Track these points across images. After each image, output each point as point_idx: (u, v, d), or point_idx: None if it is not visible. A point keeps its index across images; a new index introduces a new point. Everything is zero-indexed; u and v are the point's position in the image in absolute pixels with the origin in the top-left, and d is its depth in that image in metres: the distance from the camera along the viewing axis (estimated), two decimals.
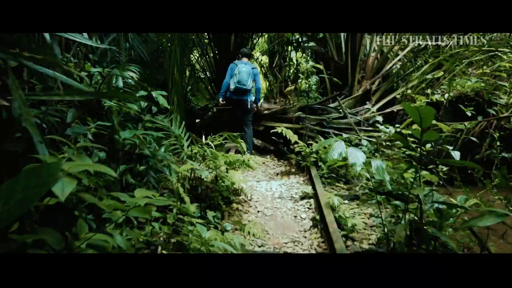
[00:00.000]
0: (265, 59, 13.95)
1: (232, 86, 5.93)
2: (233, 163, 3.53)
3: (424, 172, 3.54)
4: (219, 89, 8.44)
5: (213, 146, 3.67)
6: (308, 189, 4.15)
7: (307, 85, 5.51)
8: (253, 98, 6.07)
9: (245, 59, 6.13)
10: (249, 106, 6.00)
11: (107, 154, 4.18)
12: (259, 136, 6.55)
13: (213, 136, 3.97)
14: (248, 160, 3.60)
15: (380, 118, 4.23)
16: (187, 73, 9.31)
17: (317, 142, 5.19)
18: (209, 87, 10.14)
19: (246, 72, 5.83)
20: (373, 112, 6.33)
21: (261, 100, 12.52)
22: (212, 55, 9.68)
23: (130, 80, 3.97)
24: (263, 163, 5.78)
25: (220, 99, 6.32)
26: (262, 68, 13.67)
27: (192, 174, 3.57)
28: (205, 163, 3.57)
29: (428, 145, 4.37)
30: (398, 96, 6.85)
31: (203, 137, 3.97)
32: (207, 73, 10.31)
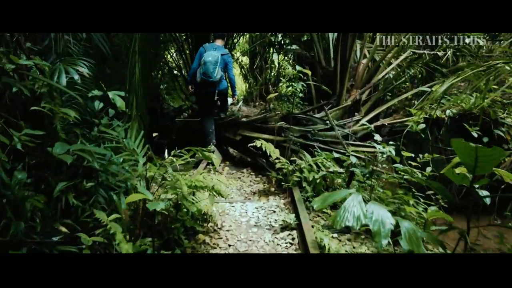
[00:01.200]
0: (245, 60, 13.28)
1: (197, 78, 5.24)
2: (198, 187, 2.80)
3: (433, 208, 2.93)
4: (195, 89, 7.73)
5: (177, 166, 2.95)
6: (291, 218, 3.47)
7: (292, 91, 4.84)
8: (223, 88, 5.40)
9: (218, 42, 5.38)
10: (215, 97, 5.37)
11: (46, 168, 3.39)
12: (236, 146, 5.84)
13: (178, 151, 3.23)
14: (218, 186, 2.88)
15: (378, 137, 3.60)
16: (160, 71, 8.56)
17: (301, 158, 4.53)
18: (184, 86, 9.39)
19: (213, 61, 5.05)
20: (362, 124, 5.73)
21: (240, 103, 11.86)
22: (188, 52, 8.92)
23: (76, 77, 3.18)
24: (239, 178, 5.09)
25: (189, 87, 5.79)
26: (242, 70, 13.00)
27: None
28: (163, 188, 2.84)
29: (429, 169, 3.80)
30: (387, 108, 6.30)
31: (166, 151, 3.23)
32: (183, 71, 9.52)
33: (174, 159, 3.12)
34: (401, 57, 6.05)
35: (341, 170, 4.22)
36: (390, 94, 7.39)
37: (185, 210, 3.00)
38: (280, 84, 12.28)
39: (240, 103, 11.85)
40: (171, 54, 9.25)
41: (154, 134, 2.93)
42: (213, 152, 5.44)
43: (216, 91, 5.30)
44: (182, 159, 2.84)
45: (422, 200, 3.60)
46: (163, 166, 2.98)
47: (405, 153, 3.56)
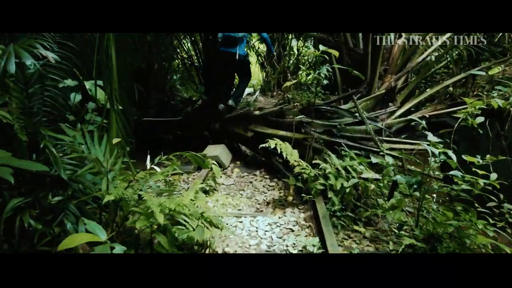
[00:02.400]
0: (262, 47, 12.40)
1: (219, 34, 5.12)
2: (185, 214, 2.00)
3: None
4: (206, 80, 7.10)
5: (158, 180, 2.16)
6: (314, 244, 2.65)
7: (314, 77, 3.98)
8: (243, 53, 5.19)
9: None
10: (236, 57, 5.07)
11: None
12: (247, 144, 5.03)
13: (165, 157, 2.45)
14: (210, 212, 2.07)
15: (432, 137, 2.71)
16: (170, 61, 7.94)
17: (325, 160, 3.69)
18: (196, 77, 8.68)
19: None
20: (399, 116, 4.83)
21: (257, 93, 11.05)
22: (199, 38, 8.17)
23: (29, 62, 2.43)
24: (250, 182, 4.29)
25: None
26: (259, 57, 12.15)
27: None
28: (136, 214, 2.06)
29: (494, 175, 2.89)
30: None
31: (148, 158, 2.45)
32: (194, 61, 8.79)
33: (158, 169, 2.35)
34: (444, 36, 5.05)
35: (376, 175, 3.35)
36: (425, 80, 6.40)
37: (169, 238, 2.21)
38: (300, 72, 11.40)
39: (257, 93, 11.06)
40: (181, 42, 8.49)
41: (115, 140, 2.13)
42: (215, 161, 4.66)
43: (237, 53, 5.00)
44: (162, 173, 2.05)
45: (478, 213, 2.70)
46: (143, 179, 2.21)
47: (468, 158, 2.67)
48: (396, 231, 3.01)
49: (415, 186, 2.74)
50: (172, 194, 2.32)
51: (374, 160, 2.90)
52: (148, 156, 2.46)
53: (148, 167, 2.41)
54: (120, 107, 2.95)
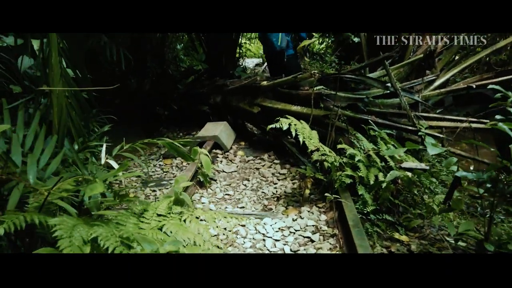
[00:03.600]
0: None
1: (263, 51, 4.98)
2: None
3: None
4: (209, 48, 6.38)
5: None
6: None
7: (344, 35, 3.12)
8: (290, 53, 4.76)
9: None
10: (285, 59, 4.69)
11: None
12: (254, 121, 4.21)
13: (130, 145, 1.68)
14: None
15: None
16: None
17: (351, 143, 2.88)
18: (200, 47, 7.81)
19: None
20: (436, 88, 3.95)
21: (266, 63, 10.10)
22: None
23: None
24: (256, 169, 3.50)
25: None
26: None
27: None
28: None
29: None
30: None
31: (103, 149, 1.67)
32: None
33: (115, 165, 1.58)
34: None
35: (422, 165, 2.54)
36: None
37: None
38: (313, 39, 10.40)
39: (266, 63, 10.11)
40: None
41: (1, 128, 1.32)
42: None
43: (285, 58, 4.67)
44: (105, 178, 1.27)
45: None
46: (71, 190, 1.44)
47: None
48: (453, 242, 2.23)
49: (488, 185, 1.93)
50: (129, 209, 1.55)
51: (432, 151, 2.04)
52: (104, 146, 1.68)
53: (103, 161, 1.63)
54: (72, 75, 2.16)
